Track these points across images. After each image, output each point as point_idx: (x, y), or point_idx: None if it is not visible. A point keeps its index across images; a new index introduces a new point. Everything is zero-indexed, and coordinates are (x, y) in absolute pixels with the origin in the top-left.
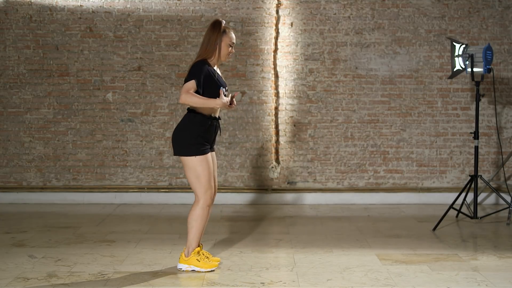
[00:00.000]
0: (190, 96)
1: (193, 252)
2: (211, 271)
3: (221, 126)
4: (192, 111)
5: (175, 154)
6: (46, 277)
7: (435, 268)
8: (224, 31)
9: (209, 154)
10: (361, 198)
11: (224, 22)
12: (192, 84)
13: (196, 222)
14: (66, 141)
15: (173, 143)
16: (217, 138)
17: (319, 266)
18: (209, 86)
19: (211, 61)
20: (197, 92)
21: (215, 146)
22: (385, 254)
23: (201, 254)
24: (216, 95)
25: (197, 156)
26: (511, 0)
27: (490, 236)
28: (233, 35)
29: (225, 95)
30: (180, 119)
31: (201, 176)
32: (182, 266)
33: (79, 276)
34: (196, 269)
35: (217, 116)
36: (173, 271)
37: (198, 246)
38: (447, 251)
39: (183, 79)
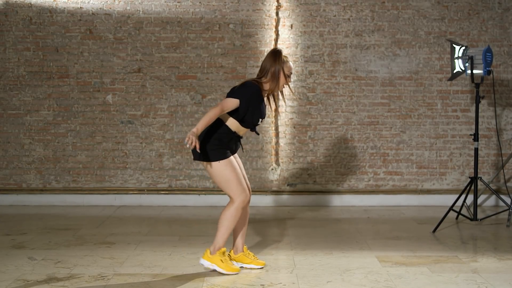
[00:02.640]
0: (214, 110)
1: (218, 251)
2: (234, 274)
3: (242, 145)
4: (219, 120)
5: (195, 159)
6: (46, 279)
7: (435, 270)
8: (284, 61)
9: (232, 156)
10: (361, 200)
11: (282, 51)
12: (234, 103)
13: (228, 221)
14: (66, 143)
15: (194, 148)
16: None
17: (319, 268)
18: (252, 112)
19: (265, 88)
20: (235, 111)
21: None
22: (385, 256)
23: (225, 255)
24: (253, 123)
25: (220, 161)
26: (511, 2)
27: (490, 238)
28: (291, 65)
29: (258, 125)
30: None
31: (230, 178)
32: (205, 262)
33: (79, 278)
34: (218, 269)
35: (241, 135)
36: (173, 273)
37: (241, 249)
38: (447, 253)
39: (228, 91)
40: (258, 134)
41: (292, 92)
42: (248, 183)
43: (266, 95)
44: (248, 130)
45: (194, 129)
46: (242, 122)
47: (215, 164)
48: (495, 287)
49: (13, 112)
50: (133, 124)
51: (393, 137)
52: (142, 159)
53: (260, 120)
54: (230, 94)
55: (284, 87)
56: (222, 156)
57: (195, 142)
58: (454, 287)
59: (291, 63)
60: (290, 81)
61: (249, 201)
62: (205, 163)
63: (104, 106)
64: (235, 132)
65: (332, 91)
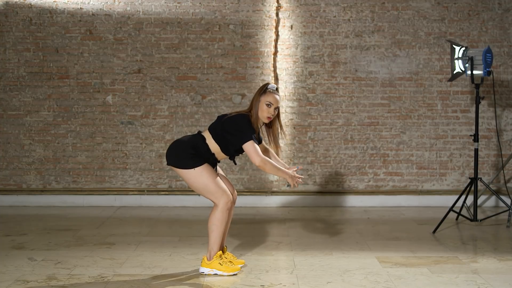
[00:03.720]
0: (266, 163)
1: (215, 256)
2: (234, 274)
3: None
4: (202, 138)
5: (168, 163)
6: (46, 280)
7: (435, 270)
8: (265, 91)
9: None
10: (361, 200)
11: (272, 85)
12: (254, 146)
13: (216, 226)
14: (66, 143)
15: (171, 155)
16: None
17: (319, 269)
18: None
19: (252, 119)
20: (220, 138)
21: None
22: (385, 257)
23: (224, 258)
24: (235, 152)
25: (195, 168)
26: (510, 3)
27: (490, 239)
28: (275, 97)
29: (237, 155)
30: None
31: (207, 184)
32: (204, 269)
33: (79, 279)
34: (219, 272)
35: (218, 159)
36: (173, 274)
37: (221, 249)
38: (447, 254)
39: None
40: (235, 164)
41: (284, 135)
42: (231, 185)
43: (257, 127)
44: (227, 157)
45: (289, 175)
46: (223, 149)
47: (190, 171)
48: None
49: (13, 113)
50: (133, 125)
51: (393, 137)
52: (142, 160)
53: (242, 152)
54: (239, 139)
55: (269, 118)
56: (196, 163)
57: (295, 178)
58: None
59: (277, 96)
60: (273, 113)
61: (233, 202)
62: (178, 170)
63: (104, 106)
64: (213, 153)
65: (332, 91)
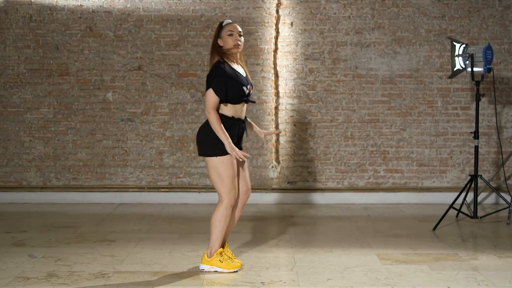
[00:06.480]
0: (211, 117)
1: (215, 253)
2: (234, 271)
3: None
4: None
5: (199, 154)
6: (46, 277)
7: (435, 267)
8: (220, 26)
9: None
10: (361, 197)
11: (225, 21)
12: (213, 98)
13: (219, 222)
14: (66, 140)
15: (197, 143)
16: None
17: (319, 266)
18: (231, 87)
19: (227, 59)
20: (220, 100)
21: (242, 145)
22: (385, 254)
23: (224, 255)
24: (239, 94)
25: (218, 157)
26: (511, 0)
27: (490, 236)
28: (233, 25)
29: (248, 94)
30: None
31: (223, 176)
32: (205, 267)
33: (79, 276)
34: (219, 270)
35: (242, 117)
36: (173, 271)
37: (222, 246)
38: (447, 251)
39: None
40: (254, 102)
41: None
42: (249, 184)
43: (232, 62)
44: (244, 104)
45: (227, 144)
46: (230, 101)
47: (212, 158)
48: (495, 285)
49: (13, 110)
50: (133, 122)
51: (393, 135)
52: (142, 157)
53: (245, 88)
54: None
55: (238, 46)
56: (221, 152)
57: (239, 152)
58: (454, 285)
59: (232, 24)
60: (238, 39)
61: (237, 202)
62: (205, 157)
63: (104, 104)
64: (232, 116)
65: (332, 89)
